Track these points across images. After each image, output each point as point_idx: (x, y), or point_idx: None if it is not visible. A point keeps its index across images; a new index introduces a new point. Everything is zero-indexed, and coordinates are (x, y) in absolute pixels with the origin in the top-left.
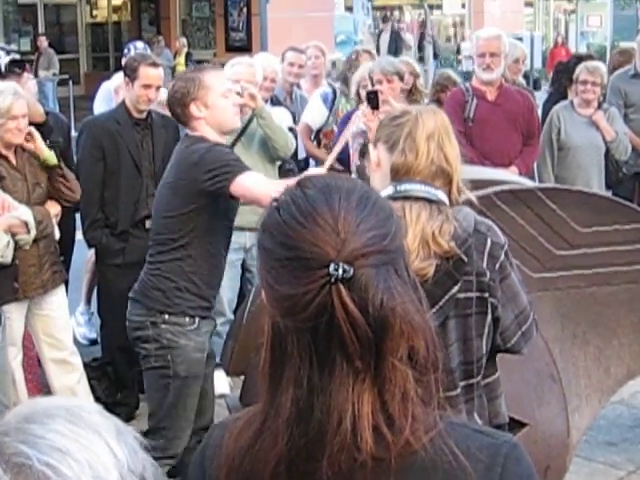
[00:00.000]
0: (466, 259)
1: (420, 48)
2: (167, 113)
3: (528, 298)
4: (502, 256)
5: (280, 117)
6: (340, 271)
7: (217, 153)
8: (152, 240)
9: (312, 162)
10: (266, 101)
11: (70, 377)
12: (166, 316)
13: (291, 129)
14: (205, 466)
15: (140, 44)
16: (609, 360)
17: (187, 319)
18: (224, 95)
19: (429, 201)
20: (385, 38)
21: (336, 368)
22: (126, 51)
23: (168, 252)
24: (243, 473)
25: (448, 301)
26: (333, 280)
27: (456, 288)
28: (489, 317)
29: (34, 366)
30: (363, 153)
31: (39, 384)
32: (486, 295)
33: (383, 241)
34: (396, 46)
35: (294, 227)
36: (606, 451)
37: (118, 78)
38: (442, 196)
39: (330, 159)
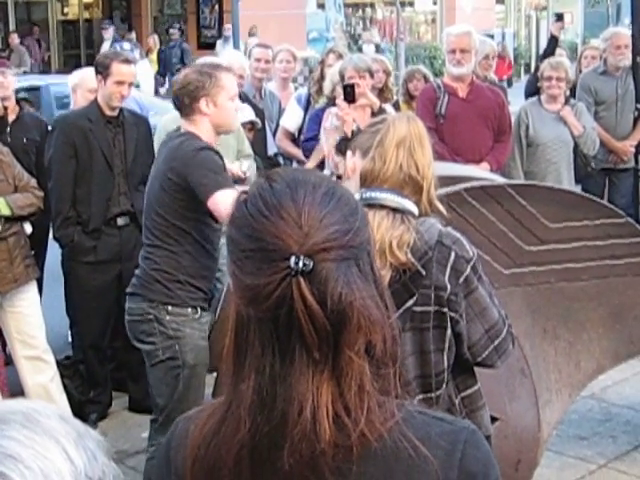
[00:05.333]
0: (424, 272)
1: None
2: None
3: (501, 312)
4: (467, 270)
5: (241, 112)
6: (300, 264)
7: (205, 158)
8: (147, 236)
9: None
10: None
11: (43, 375)
12: (169, 307)
13: (253, 122)
14: (170, 458)
15: (127, 45)
16: (579, 355)
17: (190, 309)
18: (232, 98)
19: (394, 210)
20: (106, 48)
21: (296, 358)
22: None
23: (164, 248)
24: (208, 461)
25: (403, 314)
26: (293, 273)
27: (412, 301)
28: (449, 331)
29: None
30: (340, 149)
31: (3, 384)
32: (445, 310)
33: (345, 236)
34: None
35: (259, 219)
36: (577, 445)
37: (75, 77)
38: (409, 205)
39: (315, 159)
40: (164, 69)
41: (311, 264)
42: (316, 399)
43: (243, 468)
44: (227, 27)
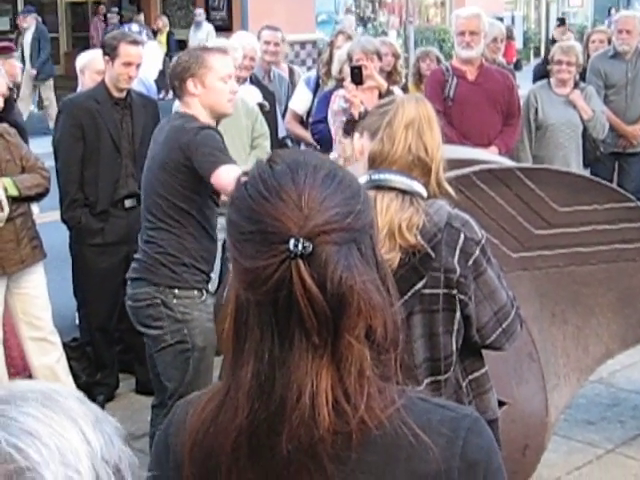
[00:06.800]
0: (433, 254)
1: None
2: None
3: (510, 294)
4: (477, 252)
5: (248, 94)
6: (300, 246)
7: (205, 137)
8: (148, 220)
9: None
10: (245, 80)
11: (49, 356)
12: (176, 291)
13: (261, 105)
14: (169, 443)
15: (135, 26)
16: (588, 339)
17: (196, 292)
18: (223, 79)
19: (403, 192)
20: (28, 39)
21: (295, 343)
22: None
23: (168, 230)
24: (206, 447)
25: (412, 296)
26: (293, 255)
27: (421, 283)
28: (458, 314)
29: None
30: (347, 131)
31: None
32: (454, 292)
33: (347, 219)
34: (39, 46)
35: (259, 201)
36: (584, 430)
37: (83, 58)
38: (418, 187)
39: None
40: None
41: (311, 247)
42: (315, 384)
43: (241, 454)
44: (198, 12)
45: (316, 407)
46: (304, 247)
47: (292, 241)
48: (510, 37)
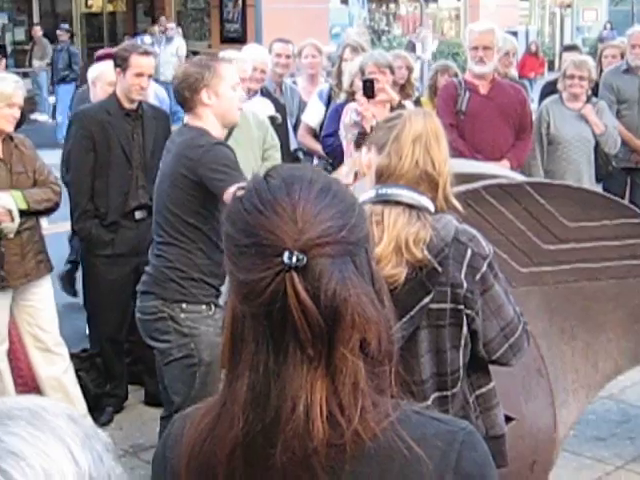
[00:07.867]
0: (440, 269)
1: None
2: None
3: (517, 310)
4: (484, 267)
5: (261, 106)
6: (294, 259)
7: (218, 154)
8: (158, 234)
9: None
10: (256, 92)
11: (56, 367)
12: (184, 305)
13: (272, 118)
14: (167, 457)
15: (148, 38)
16: (597, 355)
17: (204, 307)
18: (233, 87)
19: (410, 206)
20: None
21: (290, 355)
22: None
23: (177, 246)
24: (202, 459)
25: (419, 311)
26: (287, 268)
27: (428, 298)
28: (465, 329)
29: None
30: (359, 144)
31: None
32: (461, 307)
33: (341, 232)
34: None
35: (254, 214)
36: (594, 446)
37: (94, 70)
38: (425, 202)
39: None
40: (52, 76)
41: (305, 259)
42: (309, 396)
43: (237, 466)
44: (170, 27)
45: (310, 419)
46: (298, 260)
47: (286, 254)
48: (534, 53)
